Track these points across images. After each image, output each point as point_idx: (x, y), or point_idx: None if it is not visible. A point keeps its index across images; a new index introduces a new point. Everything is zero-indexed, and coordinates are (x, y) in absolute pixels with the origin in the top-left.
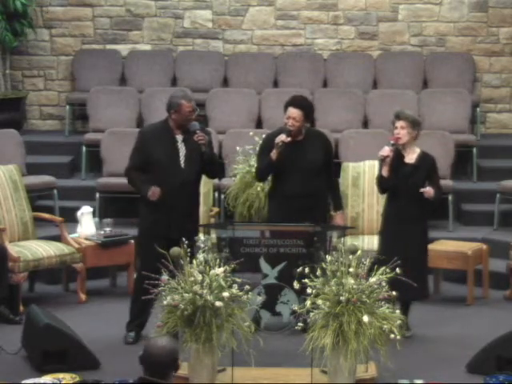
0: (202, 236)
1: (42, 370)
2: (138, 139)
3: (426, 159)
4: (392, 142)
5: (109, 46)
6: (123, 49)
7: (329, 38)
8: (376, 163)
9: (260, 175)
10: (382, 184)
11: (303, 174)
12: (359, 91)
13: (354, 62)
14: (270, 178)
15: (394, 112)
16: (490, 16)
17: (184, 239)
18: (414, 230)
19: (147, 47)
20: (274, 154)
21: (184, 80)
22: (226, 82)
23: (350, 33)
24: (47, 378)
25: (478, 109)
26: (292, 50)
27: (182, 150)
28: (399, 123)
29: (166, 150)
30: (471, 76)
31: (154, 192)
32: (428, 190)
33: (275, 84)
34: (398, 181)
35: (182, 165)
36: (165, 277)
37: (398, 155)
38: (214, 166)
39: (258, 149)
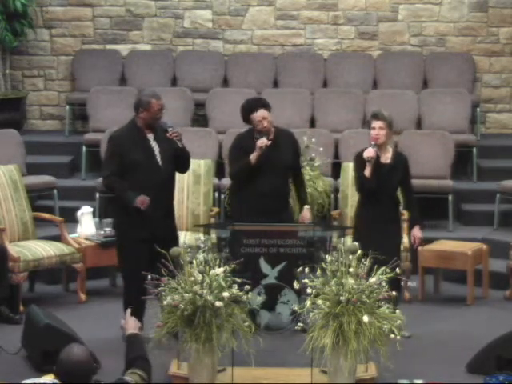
0: (201, 236)
1: (41, 370)
2: (111, 145)
3: (400, 158)
4: (373, 142)
5: (109, 46)
6: (123, 49)
7: (329, 38)
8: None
9: (236, 177)
10: (366, 184)
11: (275, 173)
12: (359, 91)
13: (354, 62)
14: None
15: (372, 112)
16: (490, 16)
17: (169, 238)
18: (389, 229)
19: (147, 47)
20: (253, 157)
21: (184, 80)
22: (225, 82)
23: (349, 33)
24: (47, 378)
25: (478, 109)
26: (292, 50)
27: (156, 149)
28: (377, 123)
29: (141, 151)
30: (471, 76)
31: (142, 201)
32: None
33: (275, 84)
34: (377, 182)
35: (160, 163)
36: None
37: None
38: (187, 160)
39: (229, 150)
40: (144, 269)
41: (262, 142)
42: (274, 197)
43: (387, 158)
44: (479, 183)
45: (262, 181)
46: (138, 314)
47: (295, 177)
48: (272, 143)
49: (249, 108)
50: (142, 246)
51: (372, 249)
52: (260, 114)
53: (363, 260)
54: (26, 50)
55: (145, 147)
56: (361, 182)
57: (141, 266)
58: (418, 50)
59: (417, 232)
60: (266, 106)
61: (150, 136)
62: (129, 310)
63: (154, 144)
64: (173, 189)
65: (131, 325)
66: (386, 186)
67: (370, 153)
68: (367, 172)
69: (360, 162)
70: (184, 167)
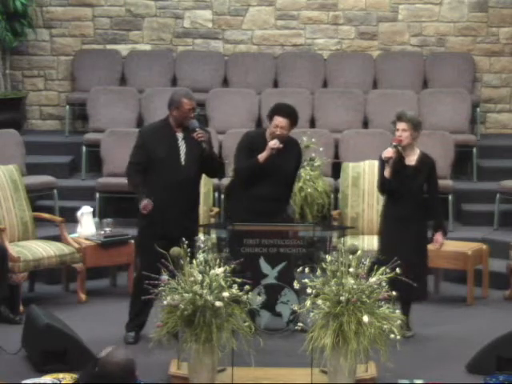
0: (201, 236)
1: (41, 370)
2: (139, 137)
3: (426, 161)
4: (394, 143)
5: (109, 46)
6: (123, 49)
7: (329, 38)
8: (376, 163)
9: (242, 175)
10: (385, 185)
11: (276, 180)
12: (359, 91)
13: (354, 62)
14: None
15: (396, 113)
16: (490, 16)
17: (184, 238)
18: (413, 231)
19: (147, 47)
20: (262, 157)
21: (184, 80)
22: (225, 82)
23: (350, 33)
24: (47, 378)
25: (478, 109)
26: (292, 50)
27: (183, 148)
28: (401, 125)
29: (166, 148)
30: (471, 76)
31: (145, 205)
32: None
33: (275, 84)
34: (400, 183)
35: (183, 162)
36: (165, 277)
37: (399, 157)
38: (214, 164)
39: (237, 147)
40: (154, 267)
41: (275, 143)
42: (272, 201)
43: (412, 160)
44: (479, 183)
45: (262, 185)
46: (144, 311)
47: (290, 186)
48: (279, 150)
49: (275, 109)
50: (155, 244)
51: (394, 249)
52: (278, 120)
53: (363, 260)
54: (26, 50)
55: (171, 145)
56: (381, 182)
57: (151, 263)
58: (418, 50)
59: (439, 237)
60: (282, 114)
61: (180, 135)
62: None
63: (181, 143)
64: (194, 190)
65: None
66: (409, 187)
67: (388, 153)
68: (387, 173)
69: (383, 162)
70: (212, 171)
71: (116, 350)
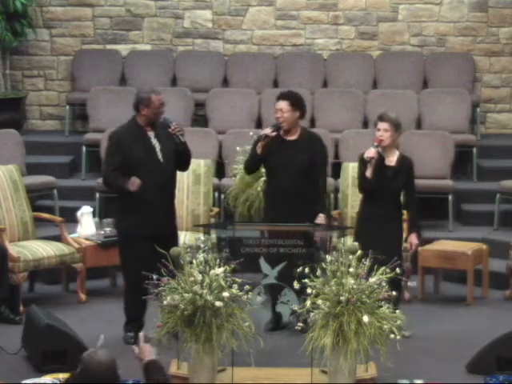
0: (201, 236)
1: (41, 370)
2: (112, 142)
3: (405, 162)
4: (375, 143)
5: (109, 46)
6: (123, 49)
7: (329, 38)
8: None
9: (245, 167)
10: (366, 185)
11: (290, 173)
12: (359, 91)
13: (354, 62)
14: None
15: (378, 113)
16: (490, 16)
17: (170, 236)
18: (390, 231)
19: (147, 47)
20: (258, 148)
21: (184, 80)
22: (225, 82)
23: (350, 33)
24: (47, 378)
25: (477, 109)
26: (292, 50)
27: (157, 146)
28: (382, 125)
29: (143, 149)
30: (471, 76)
31: (133, 182)
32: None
33: (275, 84)
34: (380, 184)
35: (161, 160)
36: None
37: (379, 157)
38: (188, 156)
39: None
40: (145, 268)
41: (265, 131)
42: (288, 196)
43: (392, 161)
44: (479, 183)
45: (279, 179)
46: (139, 313)
47: (314, 182)
48: (293, 143)
49: (277, 97)
50: (143, 245)
51: (370, 248)
52: (277, 104)
53: (363, 260)
54: (26, 50)
55: (146, 145)
56: (361, 182)
57: (142, 265)
58: (418, 49)
59: (414, 239)
60: (282, 97)
61: (151, 134)
62: (142, 336)
63: (154, 142)
64: (174, 186)
65: (146, 352)
66: (388, 188)
67: (370, 153)
68: (368, 173)
69: (364, 162)
70: (185, 164)
71: (98, 350)
